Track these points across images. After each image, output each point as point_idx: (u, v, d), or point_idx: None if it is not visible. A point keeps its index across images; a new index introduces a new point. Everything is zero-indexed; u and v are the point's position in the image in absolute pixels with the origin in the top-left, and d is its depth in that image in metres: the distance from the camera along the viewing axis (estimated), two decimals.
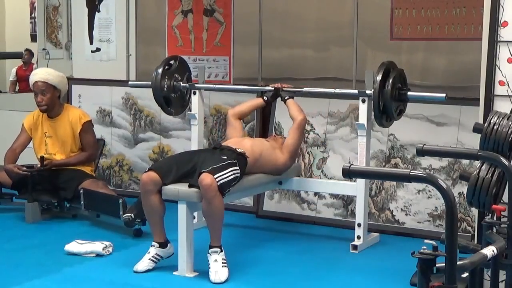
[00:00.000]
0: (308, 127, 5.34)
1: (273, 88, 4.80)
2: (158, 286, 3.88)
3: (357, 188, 4.58)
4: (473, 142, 3.96)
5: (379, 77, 4.30)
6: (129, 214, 4.70)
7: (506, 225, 2.72)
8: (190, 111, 5.11)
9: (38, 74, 5.35)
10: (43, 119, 5.41)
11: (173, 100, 5.05)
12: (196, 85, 5.06)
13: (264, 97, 4.84)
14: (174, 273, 4.03)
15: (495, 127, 3.05)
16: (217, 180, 3.85)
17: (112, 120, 6.28)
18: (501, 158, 2.83)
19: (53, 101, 5.34)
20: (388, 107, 4.36)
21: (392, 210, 5.03)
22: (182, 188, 3.97)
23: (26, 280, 3.92)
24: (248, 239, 4.81)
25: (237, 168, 4.07)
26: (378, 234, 4.83)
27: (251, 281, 3.94)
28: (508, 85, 3.39)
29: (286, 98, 4.71)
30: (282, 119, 5.48)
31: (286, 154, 4.58)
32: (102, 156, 5.99)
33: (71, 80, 6.49)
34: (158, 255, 4.10)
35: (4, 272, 4.08)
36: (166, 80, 4.97)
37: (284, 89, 4.70)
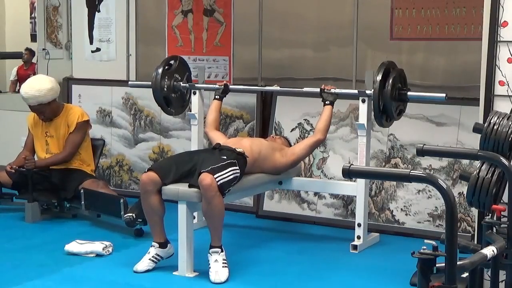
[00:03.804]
0: (308, 127, 5.35)
1: (222, 86, 4.91)
2: (158, 286, 3.88)
3: (357, 188, 4.58)
4: (473, 142, 3.96)
5: (379, 77, 4.30)
6: (131, 214, 4.70)
7: (506, 225, 2.73)
8: (190, 111, 5.11)
9: (30, 99, 5.17)
10: None
11: (173, 100, 5.05)
12: (196, 85, 5.06)
13: (216, 96, 4.93)
14: (174, 273, 4.03)
15: (495, 127, 3.05)
16: (217, 180, 3.85)
17: (112, 120, 6.28)
18: (501, 158, 2.83)
19: (53, 110, 5.31)
20: (388, 107, 4.36)
21: (392, 210, 5.03)
22: (182, 188, 3.97)
23: (26, 280, 3.92)
24: (248, 239, 4.81)
25: (237, 168, 4.07)
26: (378, 234, 4.83)
27: (251, 281, 3.94)
28: (508, 85, 3.39)
29: (326, 102, 4.60)
30: (282, 119, 5.48)
31: (289, 160, 4.57)
32: (102, 156, 5.99)
33: (71, 80, 6.50)
34: (158, 255, 4.10)
35: (4, 272, 4.08)
36: (166, 80, 4.97)
37: (326, 91, 4.60)
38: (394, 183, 5.02)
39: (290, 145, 4.87)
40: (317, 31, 5.50)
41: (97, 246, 4.40)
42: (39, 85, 5.22)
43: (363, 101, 4.48)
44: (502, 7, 3.37)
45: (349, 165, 2.30)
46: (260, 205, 5.48)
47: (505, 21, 3.38)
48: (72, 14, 6.57)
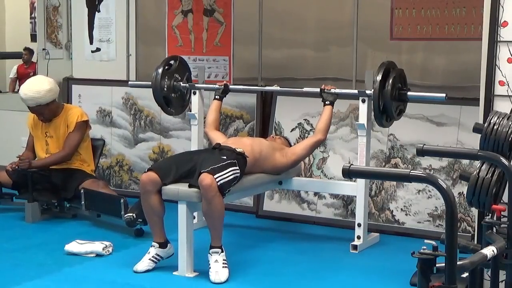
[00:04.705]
0: (308, 127, 5.35)
1: (222, 86, 4.91)
2: (158, 286, 3.88)
3: (357, 188, 4.57)
4: (473, 142, 3.96)
5: (379, 77, 4.30)
6: (131, 214, 4.70)
7: (506, 225, 2.72)
8: (190, 111, 5.11)
9: (29, 100, 5.17)
10: None
11: (173, 100, 5.05)
12: (196, 85, 5.06)
13: (216, 96, 4.93)
14: (174, 273, 4.03)
15: (495, 127, 3.05)
16: (217, 180, 3.85)
17: (112, 120, 6.28)
18: (501, 158, 2.83)
19: (53, 111, 5.31)
20: (388, 107, 4.36)
21: (392, 210, 5.03)
22: (182, 188, 3.97)
23: (26, 280, 3.92)
24: (248, 239, 4.81)
25: (237, 168, 4.07)
26: (378, 234, 4.83)
27: (251, 281, 3.94)
28: (508, 85, 3.39)
29: (326, 102, 4.60)
30: (282, 119, 5.48)
31: (289, 160, 4.57)
32: (102, 156, 5.99)
33: (71, 80, 6.49)
34: (158, 255, 4.10)
35: (4, 272, 4.08)
36: (166, 80, 4.97)
37: (326, 91, 4.61)
38: (394, 183, 5.02)
39: (290, 145, 4.87)
40: (317, 31, 5.51)
41: (97, 246, 4.40)
42: (38, 87, 5.21)
43: (363, 101, 4.48)
44: (502, 7, 3.37)
45: (349, 165, 2.30)
46: (260, 205, 5.48)
47: (505, 21, 3.38)
48: (72, 14, 6.57)
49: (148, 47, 6.23)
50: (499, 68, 3.40)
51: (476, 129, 3.14)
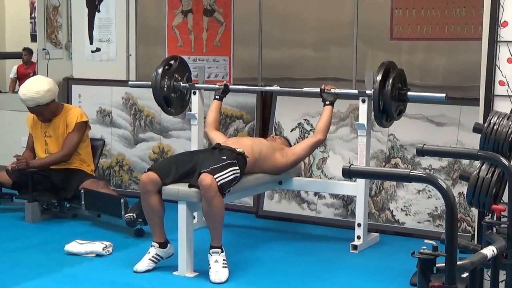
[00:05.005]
0: (308, 127, 5.35)
1: (222, 86, 4.91)
2: (158, 286, 3.88)
3: (357, 188, 4.57)
4: (473, 142, 3.96)
5: (379, 77, 4.30)
6: (131, 214, 4.70)
7: (506, 225, 2.72)
8: (190, 111, 5.11)
9: (28, 101, 5.17)
10: None
11: (173, 100, 5.05)
12: (196, 85, 5.06)
13: (216, 96, 4.93)
14: (174, 273, 4.03)
15: (495, 127, 3.05)
16: (217, 180, 3.85)
17: (112, 120, 6.28)
18: (501, 158, 2.83)
19: (52, 111, 5.31)
20: (388, 107, 4.36)
21: (392, 210, 5.03)
22: (182, 188, 3.97)
23: (26, 280, 3.92)
24: (248, 239, 4.81)
25: (237, 168, 4.07)
26: (378, 234, 4.83)
27: (251, 281, 3.94)
28: (508, 85, 3.39)
29: (326, 102, 4.60)
30: (282, 119, 5.48)
31: (289, 160, 4.57)
32: (102, 156, 5.99)
33: (71, 80, 6.49)
34: (158, 255, 4.10)
35: (4, 272, 4.08)
36: (166, 80, 4.97)
37: (326, 91, 4.61)
38: (394, 183, 5.02)
39: (290, 145, 4.87)
40: (317, 31, 5.51)
41: (97, 246, 4.40)
42: (37, 87, 5.21)
43: (363, 101, 4.48)
44: (502, 7, 3.37)
45: (349, 165, 2.30)
46: (260, 205, 5.48)
47: (505, 21, 3.38)
48: (72, 14, 6.57)
49: (148, 47, 6.23)
50: (499, 68, 3.40)
51: (476, 129, 3.14)
